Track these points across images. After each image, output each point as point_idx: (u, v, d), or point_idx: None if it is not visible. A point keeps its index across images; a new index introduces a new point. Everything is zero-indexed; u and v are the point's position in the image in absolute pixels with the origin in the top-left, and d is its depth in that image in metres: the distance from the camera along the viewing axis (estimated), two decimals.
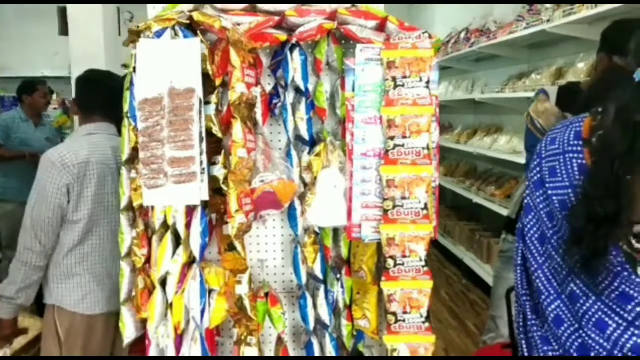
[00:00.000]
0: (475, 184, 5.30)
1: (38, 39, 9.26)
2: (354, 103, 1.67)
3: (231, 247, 1.69)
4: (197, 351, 1.66)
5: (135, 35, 1.64)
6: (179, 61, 1.57)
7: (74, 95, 2.34)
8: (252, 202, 1.64)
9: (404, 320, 1.62)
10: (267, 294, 1.76)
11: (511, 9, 4.76)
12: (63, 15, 9.50)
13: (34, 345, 2.19)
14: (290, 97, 1.77)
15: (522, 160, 3.52)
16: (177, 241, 1.72)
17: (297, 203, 1.76)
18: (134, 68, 1.61)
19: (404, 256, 1.61)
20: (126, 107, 1.76)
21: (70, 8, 4.69)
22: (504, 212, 4.31)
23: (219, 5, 1.75)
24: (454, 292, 4.95)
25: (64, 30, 9.54)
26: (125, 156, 1.79)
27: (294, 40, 1.68)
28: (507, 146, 4.60)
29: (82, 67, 4.51)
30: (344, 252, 1.85)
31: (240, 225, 1.58)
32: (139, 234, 1.74)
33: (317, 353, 1.83)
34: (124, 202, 1.83)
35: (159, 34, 1.61)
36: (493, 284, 2.88)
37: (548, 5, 3.80)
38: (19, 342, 2.21)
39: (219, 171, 1.66)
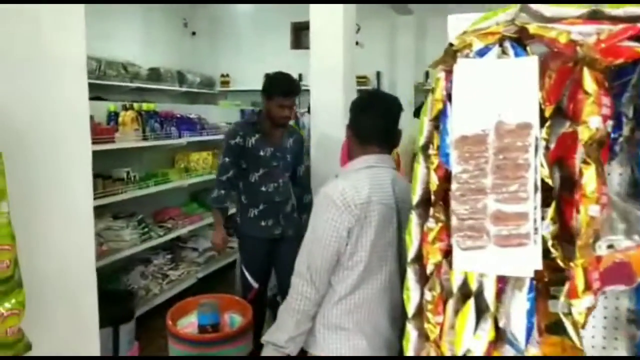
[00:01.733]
0: None
1: (271, 52, 9.81)
2: None
3: (556, 329, 1.29)
4: None
5: (449, 56, 1.33)
6: (510, 87, 1.21)
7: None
8: (599, 276, 1.22)
9: None
10: None
11: None
12: (296, 30, 10.01)
13: None
14: None
15: None
16: (479, 309, 1.37)
17: None
18: (448, 95, 1.30)
19: None
20: (422, 139, 1.46)
21: (313, 22, 4.69)
22: None
23: (547, 12, 1.36)
24: None
25: (295, 44, 10.06)
26: (416, 198, 1.49)
27: None
28: None
29: (320, 80, 4.55)
30: None
31: (587, 310, 1.17)
32: (434, 297, 1.42)
33: None
34: (412, 253, 1.53)
35: (481, 53, 1.27)
36: None
37: None
38: None
39: (546, 228, 1.26)
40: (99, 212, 4.06)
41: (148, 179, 4.57)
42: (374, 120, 1.95)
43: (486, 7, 1.48)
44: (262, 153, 3.36)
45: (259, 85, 10.36)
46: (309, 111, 4.92)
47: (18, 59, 1.58)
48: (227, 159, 3.37)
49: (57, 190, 1.70)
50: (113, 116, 4.34)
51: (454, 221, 1.25)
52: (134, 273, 4.54)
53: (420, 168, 1.49)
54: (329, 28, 4.73)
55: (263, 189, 3.38)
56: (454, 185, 1.25)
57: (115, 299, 3.06)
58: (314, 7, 4.76)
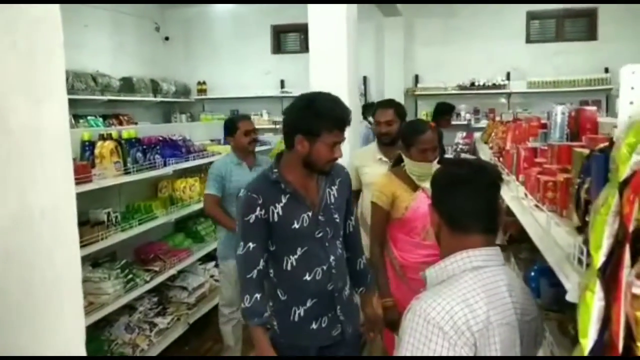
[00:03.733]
0: None
1: (250, 58, 9.25)
2: None
3: None
4: None
5: None
6: None
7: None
8: None
9: None
10: None
11: None
12: (276, 33, 9.44)
13: None
14: None
15: None
16: None
17: None
18: None
19: None
20: (599, 258, 0.97)
21: (312, 22, 4.17)
22: None
23: None
24: None
25: (276, 48, 9.50)
26: (589, 342, 1.00)
27: None
28: None
29: (322, 85, 4.00)
30: None
31: None
32: None
33: None
34: None
35: None
36: None
37: None
38: None
39: None
40: None
41: (130, 216, 3.98)
42: (475, 200, 1.45)
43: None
44: (296, 225, 2.20)
45: (237, 92, 9.86)
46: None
47: None
48: (251, 245, 2.19)
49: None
50: (88, 146, 3.73)
51: None
52: (117, 325, 3.95)
53: (594, 300, 0.99)
54: (331, 28, 4.21)
55: (307, 277, 2.24)
56: None
57: None
58: (312, 7, 4.23)
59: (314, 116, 2.10)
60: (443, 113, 6.22)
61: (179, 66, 9.41)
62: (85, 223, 3.41)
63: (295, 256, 2.23)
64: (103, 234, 3.49)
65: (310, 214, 2.23)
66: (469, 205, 1.44)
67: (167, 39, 9.42)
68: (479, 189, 1.44)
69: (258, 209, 2.16)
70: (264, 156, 4.43)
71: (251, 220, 2.17)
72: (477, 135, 6.34)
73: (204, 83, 9.46)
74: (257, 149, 6.03)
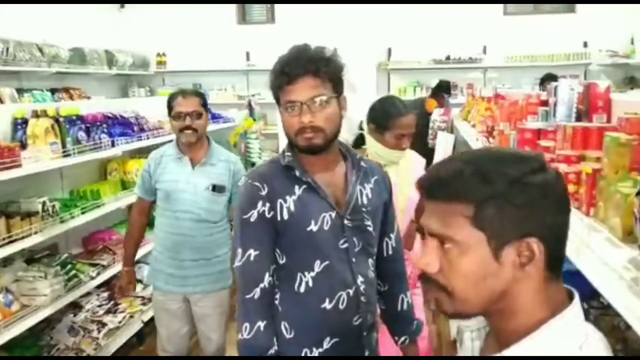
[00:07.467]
0: None
1: (213, 29, 8.65)
2: None
3: None
4: None
5: None
6: None
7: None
8: None
9: None
10: None
11: None
12: (241, 3, 8.86)
13: None
14: None
15: None
16: None
17: None
18: None
19: None
20: None
21: None
22: None
23: None
24: None
25: (241, 17, 8.93)
26: None
27: None
28: None
29: None
30: None
31: None
32: None
33: None
34: None
35: None
36: None
37: None
38: None
39: None
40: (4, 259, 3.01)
41: (73, 204, 3.49)
42: (566, 218, 0.88)
43: None
44: (314, 227, 1.66)
45: (200, 65, 9.24)
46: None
47: None
48: (252, 253, 1.65)
49: None
50: (21, 125, 3.22)
51: None
52: (59, 327, 3.50)
53: None
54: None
55: (327, 304, 1.68)
56: None
57: None
58: None
59: (271, 76, 1.66)
60: (446, 90, 6.08)
61: (136, 36, 8.75)
62: (14, 215, 2.91)
63: (313, 273, 1.67)
64: (37, 226, 3.01)
65: (333, 214, 1.67)
66: (564, 228, 0.88)
67: (122, 6, 8.74)
68: (566, 201, 0.89)
69: (261, 202, 1.63)
70: (225, 149, 3.19)
71: (252, 219, 1.63)
72: (455, 111, 5.99)
73: (164, 55, 8.85)
74: (219, 126, 5.55)
